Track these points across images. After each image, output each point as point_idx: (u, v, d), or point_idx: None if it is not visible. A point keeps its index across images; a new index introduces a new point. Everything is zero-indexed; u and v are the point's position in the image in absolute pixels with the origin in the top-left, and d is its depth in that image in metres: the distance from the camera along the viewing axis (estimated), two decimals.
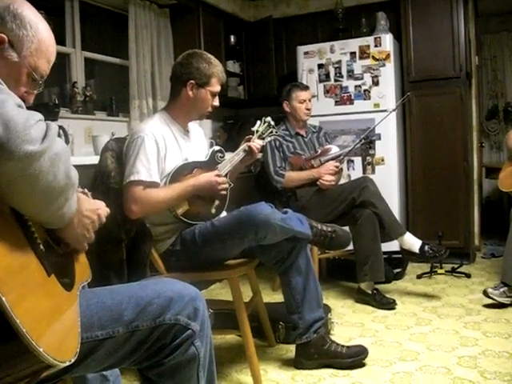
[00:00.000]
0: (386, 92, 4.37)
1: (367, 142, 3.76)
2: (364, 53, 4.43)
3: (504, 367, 2.34)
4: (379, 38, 4.40)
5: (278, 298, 3.43)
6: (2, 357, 0.90)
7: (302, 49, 4.67)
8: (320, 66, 4.59)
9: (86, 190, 1.34)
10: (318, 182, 3.55)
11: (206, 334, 1.35)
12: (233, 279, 2.35)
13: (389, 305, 3.32)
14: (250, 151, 2.51)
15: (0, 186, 0.93)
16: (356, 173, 4.34)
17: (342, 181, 3.87)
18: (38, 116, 0.98)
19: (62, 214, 1.08)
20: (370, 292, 3.42)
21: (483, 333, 2.79)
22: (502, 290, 3.14)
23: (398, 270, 4.07)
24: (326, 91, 4.57)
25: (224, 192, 2.40)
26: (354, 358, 2.47)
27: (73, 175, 1.05)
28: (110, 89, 4.46)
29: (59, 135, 1.02)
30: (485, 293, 3.17)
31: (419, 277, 4.04)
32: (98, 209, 1.29)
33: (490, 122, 6.49)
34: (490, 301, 3.17)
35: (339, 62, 4.52)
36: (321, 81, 4.58)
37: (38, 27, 1.23)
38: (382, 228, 3.41)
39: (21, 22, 1.19)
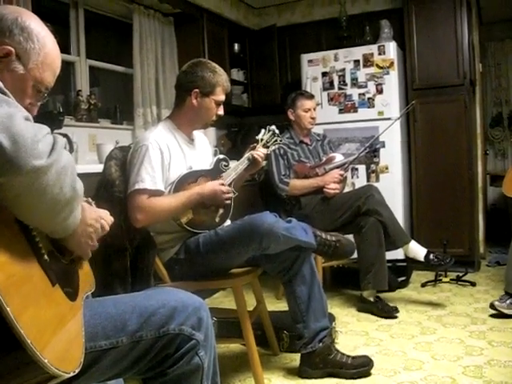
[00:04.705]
0: (390, 100, 4.37)
1: (372, 151, 3.76)
2: (368, 61, 4.43)
3: (510, 377, 2.32)
4: (383, 46, 4.41)
5: (281, 306, 3.42)
6: (5, 367, 0.90)
7: (305, 57, 4.68)
8: (324, 74, 4.59)
9: (89, 200, 1.34)
10: (323, 190, 3.55)
11: (210, 343, 1.35)
12: (237, 288, 2.35)
13: (391, 312, 3.31)
14: (254, 160, 2.52)
15: (7, 198, 0.93)
16: (360, 181, 4.33)
17: (347, 189, 3.86)
18: (46, 129, 0.98)
19: (66, 225, 1.08)
20: (371, 300, 3.41)
21: (489, 342, 2.77)
22: (508, 301, 3.11)
23: (403, 279, 4.06)
24: (330, 99, 4.57)
25: (228, 201, 2.40)
26: (359, 368, 2.45)
27: (78, 187, 1.06)
28: (114, 97, 4.48)
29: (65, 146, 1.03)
30: (492, 306, 3.15)
31: (424, 285, 4.02)
32: (101, 217, 1.29)
33: (495, 129, 6.47)
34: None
35: (343, 70, 4.52)
36: (325, 89, 4.59)
37: (45, 40, 1.23)
38: (387, 236, 3.40)
39: (28, 34, 1.20)
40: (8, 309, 0.83)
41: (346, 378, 2.43)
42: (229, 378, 2.52)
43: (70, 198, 1.03)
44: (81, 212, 1.15)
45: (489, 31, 6.02)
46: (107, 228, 1.31)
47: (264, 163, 2.66)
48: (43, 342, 0.90)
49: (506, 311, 3.10)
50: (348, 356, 2.50)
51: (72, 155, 1.08)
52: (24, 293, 0.91)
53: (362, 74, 4.45)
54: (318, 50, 4.74)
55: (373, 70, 4.41)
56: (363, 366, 2.47)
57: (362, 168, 4.40)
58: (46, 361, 0.88)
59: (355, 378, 2.43)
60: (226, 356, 2.82)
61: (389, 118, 4.23)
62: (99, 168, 2.44)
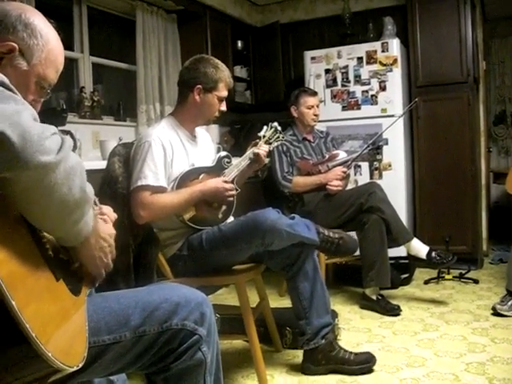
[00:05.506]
0: (394, 97, 4.36)
1: (375, 148, 3.75)
2: (371, 58, 4.43)
3: None
4: (386, 43, 4.40)
5: (284, 303, 3.42)
6: (10, 361, 0.90)
7: (309, 54, 4.68)
8: (327, 71, 4.59)
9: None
10: (326, 187, 3.55)
11: (212, 339, 1.35)
12: (240, 284, 2.35)
13: (393, 311, 3.30)
14: (256, 157, 2.52)
15: (14, 193, 0.93)
16: (363, 178, 4.33)
17: (349, 186, 3.86)
18: (53, 129, 0.98)
19: (78, 230, 1.07)
20: (374, 298, 3.41)
21: (491, 339, 2.77)
22: (510, 303, 3.10)
23: (405, 276, 4.06)
24: (333, 96, 4.57)
25: (231, 198, 2.40)
26: (362, 365, 2.46)
27: (88, 190, 1.05)
28: (117, 94, 4.48)
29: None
30: (493, 309, 3.14)
31: (426, 282, 4.02)
32: (114, 234, 1.27)
33: (498, 127, 6.45)
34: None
35: (346, 67, 4.52)
36: (328, 86, 4.59)
37: (49, 37, 1.24)
38: (389, 234, 3.40)
39: (32, 31, 1.20)
40: (13, 302, 0.83)
41: (349, 375, 2.44)
42: (232, 373, 2.53)
43: (79, 199, 1.01)
44: (94, 222, 1.14)
45: (493, 28, 6.01)
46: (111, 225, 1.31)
47: (267, 160, 2.66)
48: (47, 335, 0.90)
49: (507, 313, 3.09)
50: (351, 352, 2.50)
51: (75, 152, 1.08)
52: (28, 287, 0.91)
53: (366, 71, 4.45)
54: (321, 47, 4.73)
55: (376, 67, 4.41)
56: (366, 363, 2.47)
57: (364, 165, 4.39)
58: (50, 354, 0.88)
59: (358, 375, 2.43)
60: (229, 352, 2.82)
61: (392, 115, 4.23)
62: (102, 165, 2.45)
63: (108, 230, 1.25)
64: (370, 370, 2.46)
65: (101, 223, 1.23)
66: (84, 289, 1.20)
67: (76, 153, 1.09)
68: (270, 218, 2.22)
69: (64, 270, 1.08)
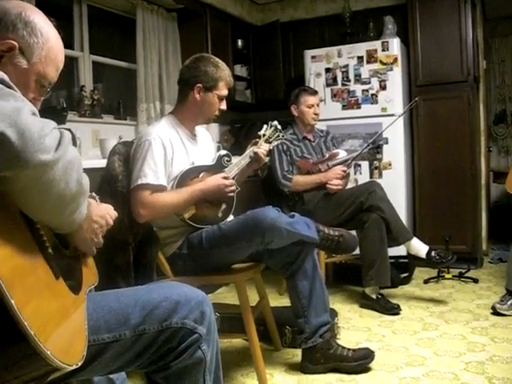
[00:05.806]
0: (394, 96, 4.36)
1: (375, 147, 3.75)
2: (371, 57, 4.42)
3: None
4: (387, 42, 4.40)
5: (284, 301, 3.42)
6: (9, 359, 0.90)
7: (309, 53, 4.68)
8: (327, 70, 4.59)
9: (93, 194, 1.35)
10: (326, 186, 3.55)
11: (212, 337, 1.35)
12: (239, 283, 2.35)
13: (393, 310, 3.30)
14: (256, 156, 2.52)
15: (13, 191, 0.94)
16: (363, 177, 4.33)
17: (349, 185, 3.86)
18: (52, 124, 0.98)
19: (72, 220, 1.09)
20: (374, 297, 3.41)
21: (491, 338, 2.77)
22: (509, 302, 3.11)
23: (405, 275, 4.06)
24: (334, 95, 4.56)
25: (231, 194, 2.40)
26: (361, 361, 2.46)
27: (84, 182, 1.07)
28: (117, 92, 4.48)
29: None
30: (493, 309, 3.15)
31: (426, 282, 4.02)
32: (107, 214, 1.30)
33: (498, 126, 6.44)
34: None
35: (346, 66, 4.52)
36: (328, 85, 4.58)
37: (49, 35, 1.24)
38: (389, 233, 3.40)
39: (32, 29, 1.20)
40: (12, 301, 0.83)
41: (348, 372, 2.44)
42: (231, 372, 2.53)
43: (76, 192, 1.03)
44: (87, 208, 1.15)
45: (493, 28, 6.01)
46: (111, 222, 1.31)
47: (266, 159, 2.66)
48: (46, 333, 0.90)
49: (507, 313, 3.09)
50: (349, 349, 2.51)
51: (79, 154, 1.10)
52: (28, 285, 0.92)
53: (366, 70, 4.45)
54: (322, 46, 4.73)
55: (376, 66, 4.41)
56: (364, 359, 2.47)
57: (364, 164, 4.39)
58: (48, 353, 0.88)
59: (357, 373, 2.43)
60: (229, 351, 2.82)
61: (392, 115, 4.22)
62: (102, 163, 2.44)
63: (99, 212, 1.28)
64: (368, 367, 2.46)
65: (93, 206, 1.25)
66: (84, 287, 1.20)
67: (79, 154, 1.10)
68: (269, 216, 2.22)
69: (64, 268, 1.08)
